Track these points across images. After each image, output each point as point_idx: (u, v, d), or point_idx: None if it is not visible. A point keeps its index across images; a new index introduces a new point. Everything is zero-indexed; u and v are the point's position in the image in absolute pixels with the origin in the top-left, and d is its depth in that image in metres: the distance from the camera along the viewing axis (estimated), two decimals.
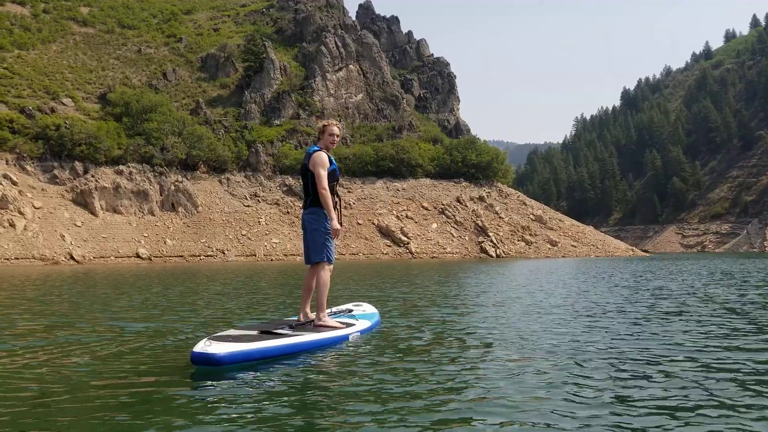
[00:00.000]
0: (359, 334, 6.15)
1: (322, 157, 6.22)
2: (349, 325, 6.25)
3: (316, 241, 6.27)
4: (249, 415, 3.50)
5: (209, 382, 4.32)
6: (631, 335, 6.25)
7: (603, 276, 18.92)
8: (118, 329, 7.05)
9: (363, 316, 6.88)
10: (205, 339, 4.89)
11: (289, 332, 5.50)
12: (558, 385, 4.08)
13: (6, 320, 8.17)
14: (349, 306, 7.51)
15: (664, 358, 5.00)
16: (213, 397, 3.95)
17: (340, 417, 3.47)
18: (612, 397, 3.79)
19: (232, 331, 5.44)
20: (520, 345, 5.71)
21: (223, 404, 3.76)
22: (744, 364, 4.77)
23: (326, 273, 6.31)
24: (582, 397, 3.81)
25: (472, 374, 4.49)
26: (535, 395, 3.85)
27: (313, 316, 6.29)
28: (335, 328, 6.04)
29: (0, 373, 4.68)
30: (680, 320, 7.39)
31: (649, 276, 18.59)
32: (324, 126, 6.49)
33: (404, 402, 3.72)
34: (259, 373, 4.62)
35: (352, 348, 5.64)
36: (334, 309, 7.22)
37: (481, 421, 3.36)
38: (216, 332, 5.56)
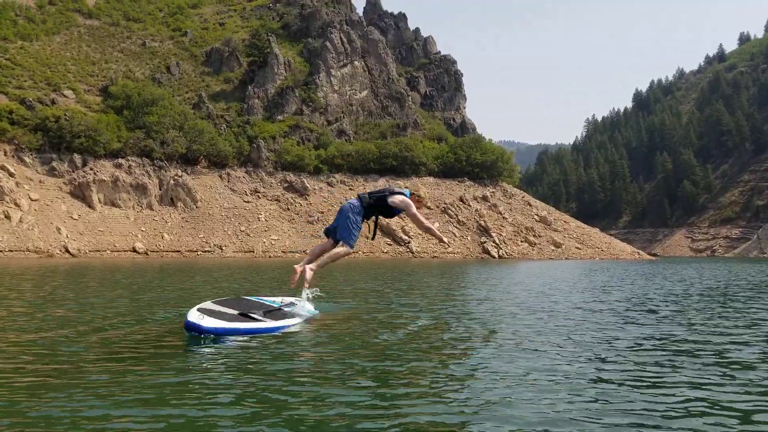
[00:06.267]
0: (304, 321, 7.48)
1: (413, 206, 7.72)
2: (296, 315, 7.48)
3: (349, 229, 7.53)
4: (223, 368, 4.85)
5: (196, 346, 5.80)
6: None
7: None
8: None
9: (304, 308, 7.99)
10: (195, 311, 6.24)
11: (261, 318, 6.87)
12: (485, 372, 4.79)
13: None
14: (293, 300, 8.45)
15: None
16: (199, 354, 5.45)
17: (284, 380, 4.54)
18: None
19: (212, 306, 6.83)
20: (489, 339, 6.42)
21: (205, 361, 5.17)
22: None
23: (345, 250, 7.53)
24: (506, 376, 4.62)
25: (414, 353, 5.59)
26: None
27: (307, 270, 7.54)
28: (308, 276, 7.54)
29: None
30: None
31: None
32: (422, 199, 8.00)
33: (340, 374, 4.71)
34: (234, 341, 6.06)
35: (306, 332, 6.96)
36: (277, 299, 8.35)
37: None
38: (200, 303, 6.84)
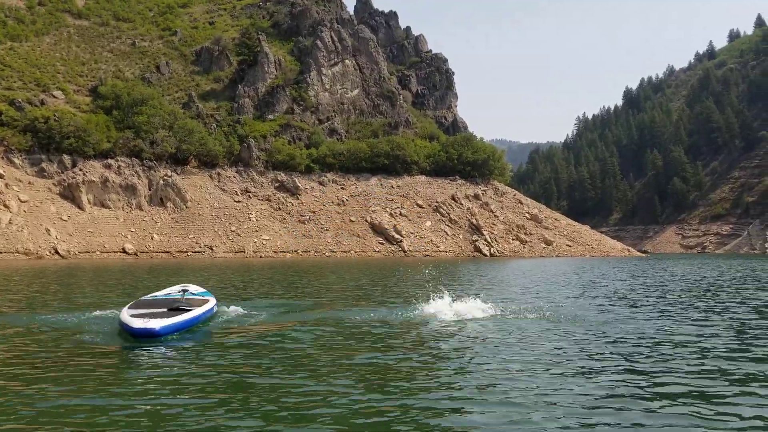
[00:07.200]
0: (216, 304, 8.04)
1: None
2: (208, 298, 8.08)
3: None
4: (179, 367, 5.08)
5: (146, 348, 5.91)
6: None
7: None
8: None
9: (199, 293, 8.50)
10: (136, 319, 6.18)
11: (189, 307, 7.18)
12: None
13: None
14: (183, 285, 8.89)
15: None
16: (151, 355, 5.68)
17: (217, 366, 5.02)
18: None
19: (136, 311, 6.79)
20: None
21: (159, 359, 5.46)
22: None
23: None
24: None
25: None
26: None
27: None
28: None
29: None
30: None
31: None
32: None
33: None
34: (185, 342, 6.21)
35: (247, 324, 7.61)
36: (167, 291, 8.71)
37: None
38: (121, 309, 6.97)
